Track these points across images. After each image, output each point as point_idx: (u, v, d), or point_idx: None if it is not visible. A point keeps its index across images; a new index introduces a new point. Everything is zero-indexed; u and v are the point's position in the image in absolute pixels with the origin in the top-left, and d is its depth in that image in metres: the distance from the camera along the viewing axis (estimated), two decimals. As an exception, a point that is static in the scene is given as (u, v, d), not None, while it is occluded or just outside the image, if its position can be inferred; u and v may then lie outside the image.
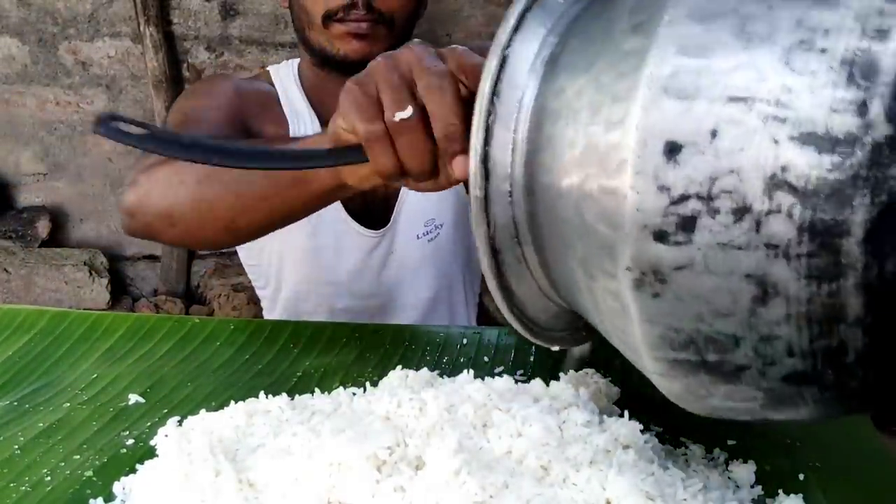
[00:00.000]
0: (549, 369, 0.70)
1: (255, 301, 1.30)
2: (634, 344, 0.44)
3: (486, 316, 1.30)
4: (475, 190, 0.49)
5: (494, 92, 0.49)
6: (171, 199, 0.78)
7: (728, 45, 0.38)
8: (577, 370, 0.66)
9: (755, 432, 0.63)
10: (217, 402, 0.69)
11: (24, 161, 2.11)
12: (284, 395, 0.66)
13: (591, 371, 0.66)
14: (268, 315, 1.20)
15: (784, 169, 0.37)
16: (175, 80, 2.01)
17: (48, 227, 2.09)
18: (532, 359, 0.77)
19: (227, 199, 0.75)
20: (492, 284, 0.52)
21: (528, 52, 0.49)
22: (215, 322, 0.87)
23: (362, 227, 1.09)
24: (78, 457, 0.62)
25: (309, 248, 1.10)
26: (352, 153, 0.58)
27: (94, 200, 2.14)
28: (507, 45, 0.49)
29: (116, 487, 0.57)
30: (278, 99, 1.12)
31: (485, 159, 0.49)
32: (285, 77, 1.14)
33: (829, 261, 0.37)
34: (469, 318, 1.23)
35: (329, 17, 1.02)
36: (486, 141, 0.49)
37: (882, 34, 0.36)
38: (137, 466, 0.59)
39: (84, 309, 1.36)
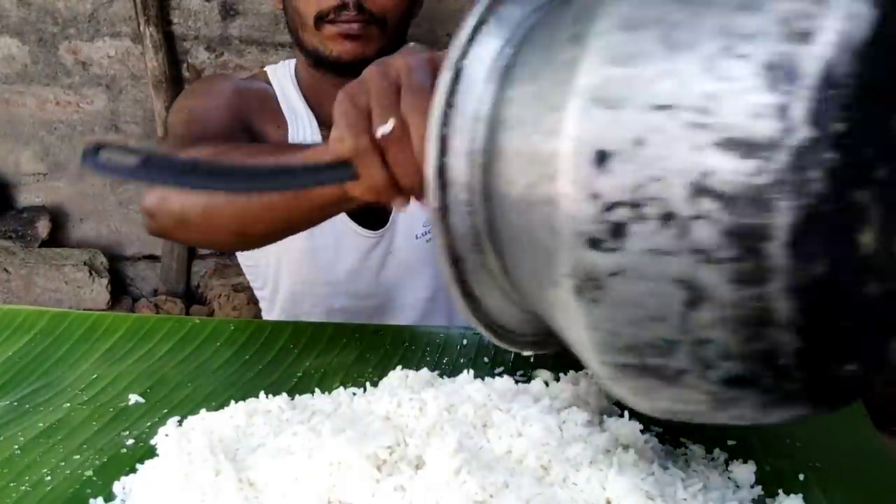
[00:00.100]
0: (549, 369, 0.70)
1: (255, 301, 1.30)
2: (582, 349, 0.45)
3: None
4: (431, 201, 0.50)
5: (450, 104, 0.49)
6: (185, 203, 0.78)
7: (654, 53, 0.39)
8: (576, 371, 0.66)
9: (755, 432, 0.63)
10: (217, 402, 0.69)
11: (24, 161, 2.11)
12: (284, 394, 0.66)
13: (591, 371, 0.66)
14: (266, 316, 1.20)
15: (707, 175, 0.37)
16: (175, 80, 2.01)
17: (48, 227, 2.09)
18: (532, 359, 0.77)
19: (235, 208, 0.75)
20: (454, 292, 0.52)
21: (484, 62, 0.50)
22: (215, 322, 0.87)
23: (361, 228, 1.09)
24: (78, 457, 0.62)
25: (307, 249, 1.09)
26: (345, 168, 0.57)
27: (94, 200, 2.14)
28: (462, 57, 0.49)
29: (116, 487, 0.57)
30: (276, 99, 1.12)
31: (441, 170, 0.49)
32: (282, 77, 1.15)
33: (754, 265, 0.37)
34: (468, 319, 1.23)
35: (321, 19, 1.03)
36: (442, 152, 0.49)
37: (804, 37, 0.36)
38: (137, 466, 0.59)
39: (84, 309, 1.36)
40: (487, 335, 0.54)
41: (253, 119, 1.07)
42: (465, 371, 0.65)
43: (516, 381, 0.63)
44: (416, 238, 1.12)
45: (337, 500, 0.52)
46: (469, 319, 0.54)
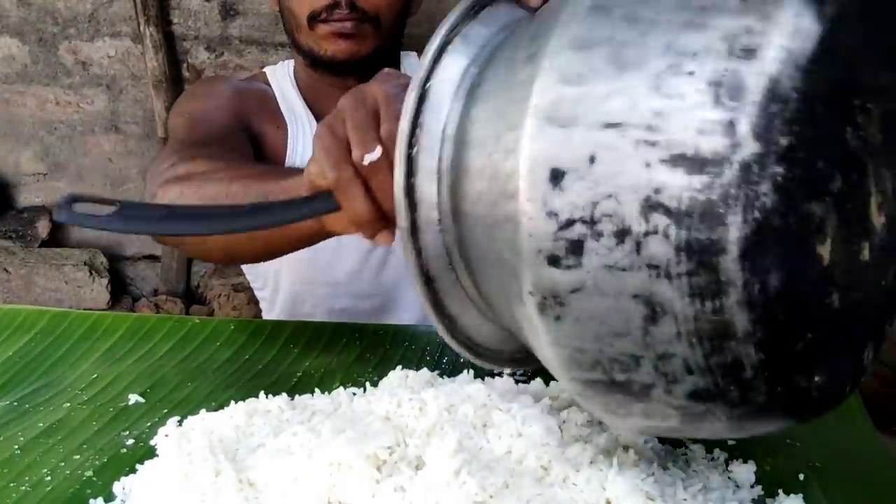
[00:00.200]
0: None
1: (255, 301, 1.30)
2: (551, 366, 0.45)
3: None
4: (400, 221, 0.50)
5: (416, 124, 0.49)
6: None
7: (603, 72, 0.39)
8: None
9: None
10: (217, 402, 0.69)
11: (24, 161, 2.10)
12: (284, 395, 0.66)
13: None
14: (266, 316, 1.20)
15: (657, 191, 0.37)
16: (175, 80, 2.01)
17: (48, 227, 2.09)
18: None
19: (220, 237, 0.75)
20: (429, 311, 0.53)
21: (450, 82, 0.50)
22: (215, 322, 0.87)
23: (361, 228, 1.09)
24: (78, 457, 0.62)
25: (307, 250, 1.09)
26: (325, 201, 0.56)
27: (94, 200, 2.14)
28: (428, 79, 0.50)
29: (116, 487, 0.57)
30: (276, 100, 1.12)
31: (409, 190, 0.49)
32: (281, 78, 1.15)
33: (709, 279, 0.37)
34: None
35: (314, 18, 1.03)
36: (410, 172, 0.49)
37: (749, 53, 0.37)
38: (137, 466, 0.59)
39: (84, 309, 1.36)
40: (466, 354, 0.54)
41: (252, 120, 1.07)
42: (465, 371, 0.65)
43: (516, 381, 0.63)
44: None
45: (337, 500, 0.52)
46: (446, 339, 0.54)
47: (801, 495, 0.56)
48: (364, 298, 1.12)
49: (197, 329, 0.85)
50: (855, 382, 0.44)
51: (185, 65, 2.04)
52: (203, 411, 0.64)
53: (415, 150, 0.49)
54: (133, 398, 0.70)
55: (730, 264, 0.37)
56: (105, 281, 2.07)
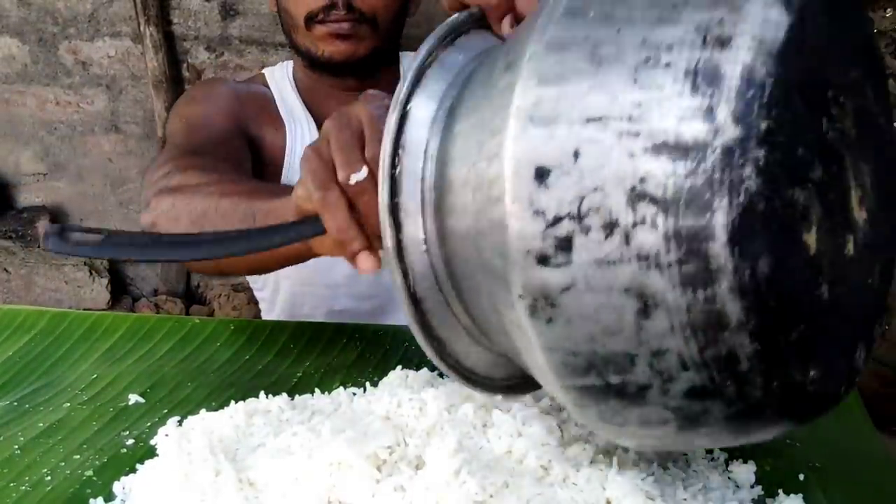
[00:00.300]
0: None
1: (255, 301, 1.30)
2: (544, 376, 0.45)
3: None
4: (386, 241, 0.50)
5: (399, 145, 0.50)
6: (172, 231, 0.79)
7: (582, 70, 0.40)
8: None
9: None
10: (217, 402, 0.69)
11: (24, 161, 2.10)
12: (284, 395, 0.66)
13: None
14: (266, 317, 1.20)
15: (643, 180, 0.38)
16: (175, 80, 2.01)
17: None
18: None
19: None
20: (417, 334, 0.52)
21: (429, 104, 0.51)
22: (215, 322, 0.87)
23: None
24: (78, 457, 0.62)
25: (306, 250, 1.09)
26: (311, 225, 0.57)
27: (94, 200, 2.13)
28: (408, 101, 0.51)
29: (116, 487, 0.57)
30: (274, 102, 1.12)
31: (394, 210, 0.50)
32: (280, 79, 1.15)
33: (699, 266, 0.37)
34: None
35: (311, 19, 1.03)
36: (394, 192, 0.50)
37: (723, 42, 0.38)
38: (137, 466, 0.59)
39: (84, 309, 1.36)
40: (456, 379, 0.54)
41: (250, 124, 1.07)
42: (465, 371, 0.65)
43: (516, 381, 0.63)
44: (416, 238, 1.11)
45: (337, 500, 0.52)
46: (436, 362, 0.54)
47: (801, 495, 0.56)
48: (364, 300, 1.12)
49: (197, 329, 0.85)
50: (849, 383, 0.44)
51: (185, 65, 2.04)
52: (203, 411, 0.64)
53: (398, 170, 0.50)
54: (133, 398, 0.70)
55: (719, 250, 0.37)
56: (105, 281, 2.07)
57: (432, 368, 0.68)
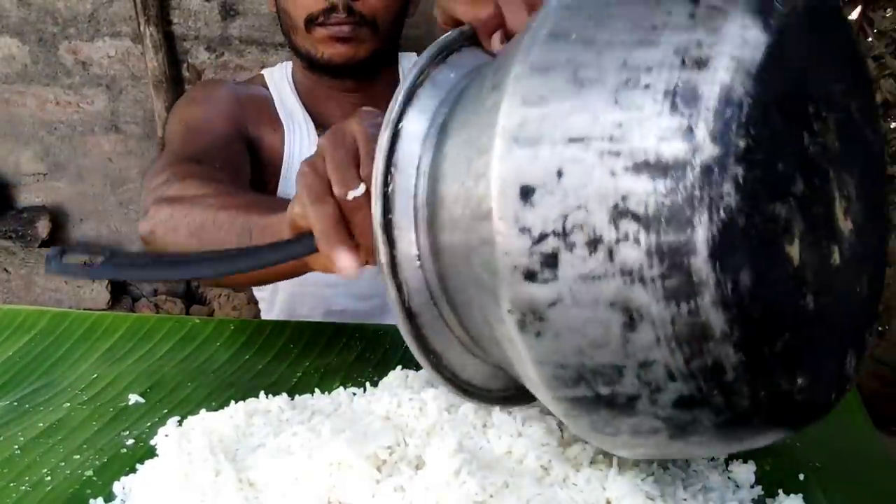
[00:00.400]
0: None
1: (255, 301, 1.30)
2: (536, 388, 0.46)
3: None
4: (380, 257, 0.51)
5: (391, 162, 0.51)
6: (169, 241, 0.80)
7: (564, 92, 0.41)
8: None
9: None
10: (217, 402, 0.69)
11: (24, 161, 2.10)
12: (284, 395, 0.66)
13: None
14: (265, 317, 1.20)
15: (625, 198, 0.38)
16: (175, 80, 2.01)
17: (48, 227, 2.09)
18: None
19: None
20: (413, 348, 0.53)
21: (422, 121, 0.52)
22: (215, 322, 0.87)
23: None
24: (78, 457, 0.62)
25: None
26: (307, 243, 0.56)
27: (94, 200, 2.13)
28: (400, 120, 0.52)
29: (116, 487, 0.57)
30: (273, 103, 1.12)
31: (387, 227, 0.51)
32: (279, 80, 1.15)
33: (682, 281, 0.38)
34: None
35: (311, 22, 1.03)
36: (387, 209, 0.51)
37: (701, 63, 0.38)
38: (137, 466, 0.59)
39: (84, 309, 1.36)
40: (452, 391, 0.55)
41: (249, 126, 1.07)
42: (465, 371, 0.65)
43: (516, 381, 0.63)
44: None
45: (337, 500, 0.52)
46: (431, 376, 0.55)
47: (801, 495, 0.56)
48: (363, 300, 1.12)
49: (197, 329, 0.85)
50: (840, 390, 0.45)
51: (185, 65, 2.04)
52: (203, 411, 0.64)
53: (390, 187, 0.51)
54: (133, 398, 0.70)
55: (701, 264, 0.37)
56: (105, 281, 2.06)
57: (432, 368, 0.68)
